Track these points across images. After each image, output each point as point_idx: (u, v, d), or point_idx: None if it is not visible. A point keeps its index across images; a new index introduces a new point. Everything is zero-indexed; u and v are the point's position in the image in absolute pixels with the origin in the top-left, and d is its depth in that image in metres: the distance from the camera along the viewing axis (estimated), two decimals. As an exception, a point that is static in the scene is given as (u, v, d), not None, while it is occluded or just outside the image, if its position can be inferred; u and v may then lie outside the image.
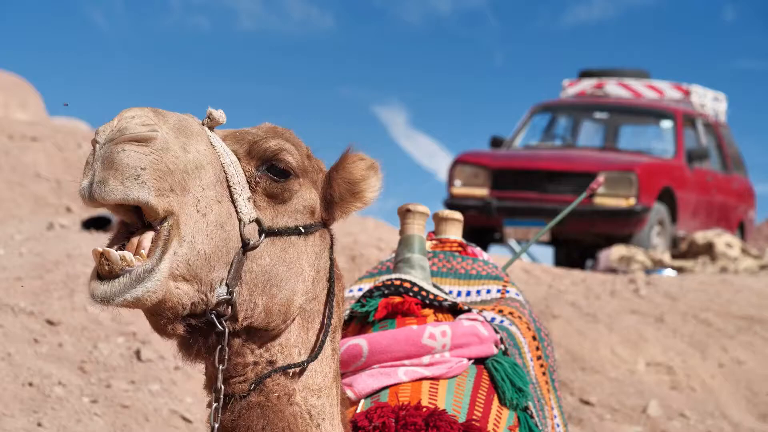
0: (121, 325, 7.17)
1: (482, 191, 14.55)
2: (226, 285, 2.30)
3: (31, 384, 6.31)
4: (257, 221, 2.36)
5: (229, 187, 2.32)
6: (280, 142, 2.42)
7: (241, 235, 2.32)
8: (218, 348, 2.34)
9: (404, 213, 3.31)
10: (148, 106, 2.24)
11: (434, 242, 3.59)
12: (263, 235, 2.36)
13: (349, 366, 3.01)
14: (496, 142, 16.07)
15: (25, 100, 20.72)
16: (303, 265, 2.44)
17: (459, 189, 14.68)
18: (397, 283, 3.17)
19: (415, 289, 3.16)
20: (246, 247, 2.33)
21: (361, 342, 3.02)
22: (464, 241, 3.62)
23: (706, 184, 15.87)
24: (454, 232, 3.62)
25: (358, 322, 3.17)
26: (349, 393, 2.98)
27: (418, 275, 3.21)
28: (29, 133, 15.03)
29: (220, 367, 2.35)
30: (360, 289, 3.45)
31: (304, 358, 2.46)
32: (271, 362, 2.43)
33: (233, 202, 2.32)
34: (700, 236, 14.39)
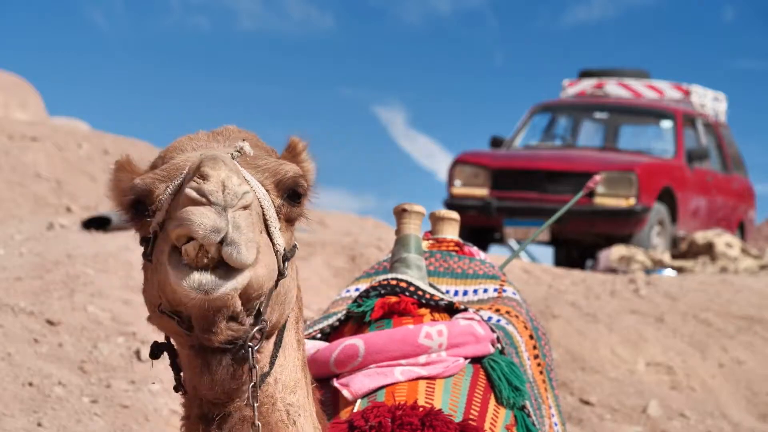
0: (121, 325, 7.17)
1: (482, 191, 14.55)
2: (260, 312, 2.34)
3: (31, 384, 6.31)
4: (284, 249, 2.40)
5: (265, 220, 2.36)
6: (294, 168, 2.46)
7: (279, 265, 2.37)
8: (251, 386, 2.37)
9: (400, 213, 3.32)
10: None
11: (431, 242, 3.59)
12: (287, 262, 2.40)
13: (345, 366, 3.01)
14: (496, 142, 16.07)
15: (25, 100, 20.72)
16: (295, 275, 2.49)
17: (459, 189, 14.68)
18: (394, 282, 3.17)
19: (412, 288, 3.16)
20: (282, 276, 2.38)
21: (358, 342, 3.02)
22: (461, 241, 3.62)
23: (706, 184, 15.87)
24: (451, 232, 3.62)
25: (355, 322, 3.17)
26: (346, 393, 2.98)
27: (415, 275, 3.22)
28: (29, 133, 15.03)
29: (255, 404, 2.38)
30: (357, 289, 3.45)
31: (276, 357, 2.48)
32: (262, 375, 2.45)
33: (270, 234, 2.36)
34: (700, 236, 14.39)
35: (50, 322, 7.06)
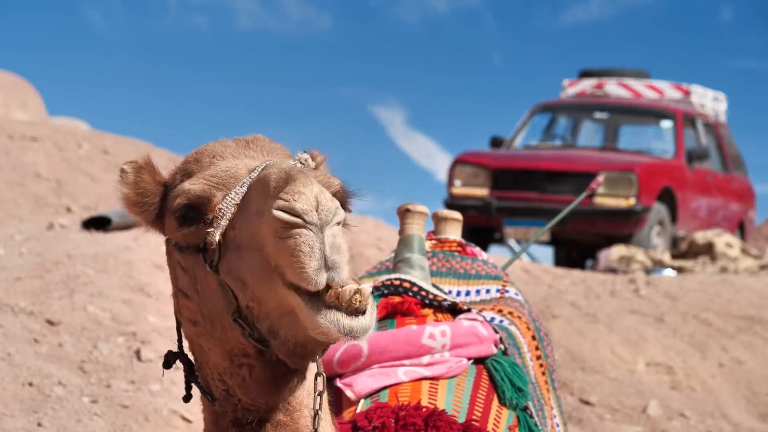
0: (121, 325, 7.17)
1: (482, 191, 14.56)
2: None
3: (31, 384, 6.31)
4: None
5: None
6: (338, 180, 2.36)
7: None
8: (317, 394, 2.35)
9: (403, 213, 3.32)
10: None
11: (433, 242, 3.59)
12: None
13: (348, 366, 3.01)
14: (496, 142, 16.08)
15: (25, 100, 20.70)
16: None
17: (459, 189, 14.69)
18: (397, 283, 3.17)
19: (415, 288, 3.16)
20: None
21: (361, 342, 3.02)
22: (463, 241, 3.62)
23: (706, 184, 15.87)
24: (454, 232, 3.62)
25: (358, 322, 3.16)
26: (349, 393, 2.98)
27: (418, 275, 3.22)
28: (29, 133, 15.02)
29: (320, 413, 2.35)
30: (359, 288, 3.44)
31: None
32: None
33: None
34: (700, 236, 14.40)
35: (50, 322, 7.06)
